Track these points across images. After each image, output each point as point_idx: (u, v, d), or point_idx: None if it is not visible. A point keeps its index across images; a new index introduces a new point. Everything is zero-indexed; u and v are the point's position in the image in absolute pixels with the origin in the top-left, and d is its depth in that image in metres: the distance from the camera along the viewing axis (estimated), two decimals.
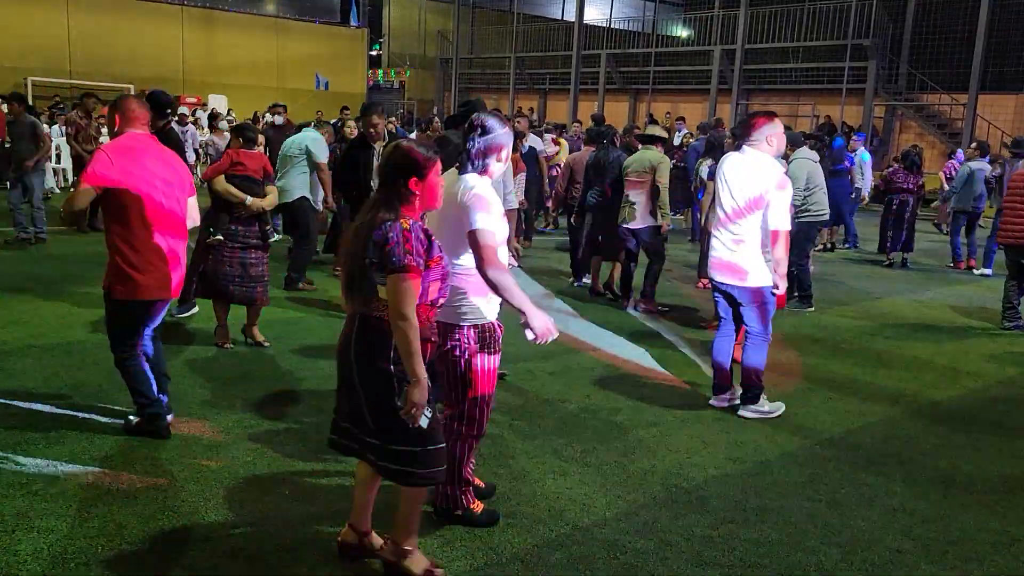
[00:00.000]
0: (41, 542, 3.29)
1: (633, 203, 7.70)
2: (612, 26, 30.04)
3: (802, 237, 7.91)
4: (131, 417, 4.41)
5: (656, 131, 8.19)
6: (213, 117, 11.77)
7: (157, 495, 3.73)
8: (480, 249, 3.21)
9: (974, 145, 12.32)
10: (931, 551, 3.64)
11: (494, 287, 3.24)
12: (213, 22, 28.59)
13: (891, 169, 12.10)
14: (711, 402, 5.35)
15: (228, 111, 23.74)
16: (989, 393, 6.00)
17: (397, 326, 2.82)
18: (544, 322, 3.29)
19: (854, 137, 15.00)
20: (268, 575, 3.17)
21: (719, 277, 5.15)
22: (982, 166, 11.54)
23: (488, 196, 3.30)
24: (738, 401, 5.27)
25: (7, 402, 4.73)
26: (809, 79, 23.86)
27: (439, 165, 3.04)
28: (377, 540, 3.26)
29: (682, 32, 31.49)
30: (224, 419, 4.66)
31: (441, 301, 3.06)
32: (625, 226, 7.78)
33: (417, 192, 2.96)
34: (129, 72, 24.92)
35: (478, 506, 3.62)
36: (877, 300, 9.22)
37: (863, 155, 13.47)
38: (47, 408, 4.68)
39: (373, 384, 2.96)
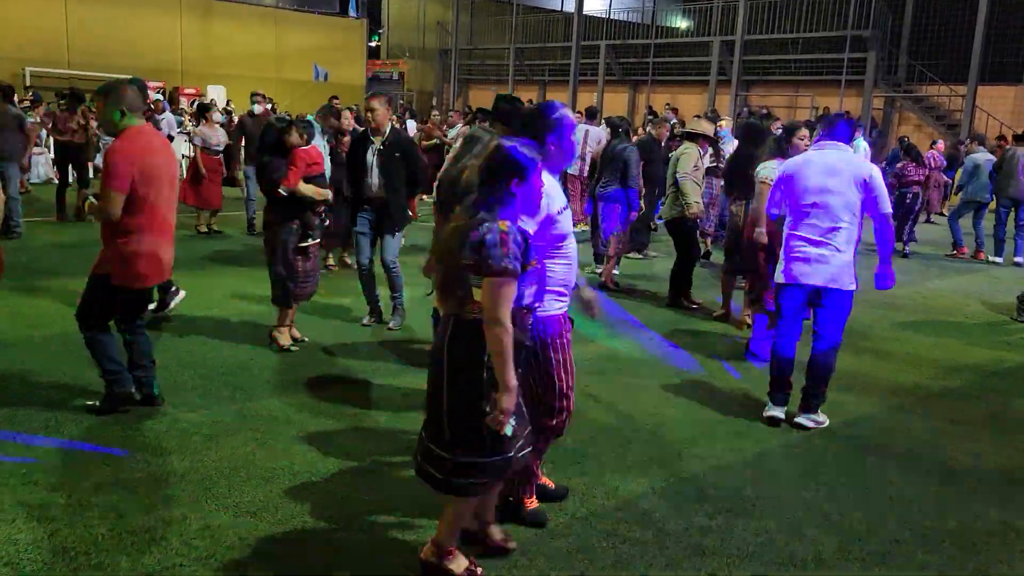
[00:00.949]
0: (41, 531, 3.30)
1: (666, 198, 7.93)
2: (611, 17, 29.96)
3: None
4: (95, 402, 4.52)
5: (700, 127, 8.05)
6: (205, 108, 11.09)
7: (157, 485, 3.74)
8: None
9: (968, 140, 12.66)
10: (928, 541, 3.66)
11: None
12: (211, 13, 28.46)
13: (900, 164, 12.14)
14: (772, 414, 4.98)
15: (227, 102, 23.68)
16: (988, 384, 6.01)
17: (491, 330, 2.75)
18: None
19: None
20: (267, 564, 3.18)
21: (812, 279, 4.82)
22: (987, 156, 11.87)
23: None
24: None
25: (6, 393, 4.74)
26: (808, 70, 23.80)
27: (541, 167, 2.96)
28: (498, 533, 3.27)
29: (681, 23, 31.42)
30: (223, 410, 4.67)
31: (537, 305, 2.98)
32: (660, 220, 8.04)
33: (518, 194, 2.88)
34: (127, 63, 24.78)
35: (532, 502, 3.59)
36: (877, 292, 9.19)
37: (860, 145, 13.55)
38: (46, 399, 4.68)
39: (461, 388, 2.89)
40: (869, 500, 4.02)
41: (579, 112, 19.54)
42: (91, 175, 12.01)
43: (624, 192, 8.11)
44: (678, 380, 5.70)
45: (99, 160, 13.92)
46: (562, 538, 3.49)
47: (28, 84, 22.41)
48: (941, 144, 15.87)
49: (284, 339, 5.82)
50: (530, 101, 28.78)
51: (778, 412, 4.99)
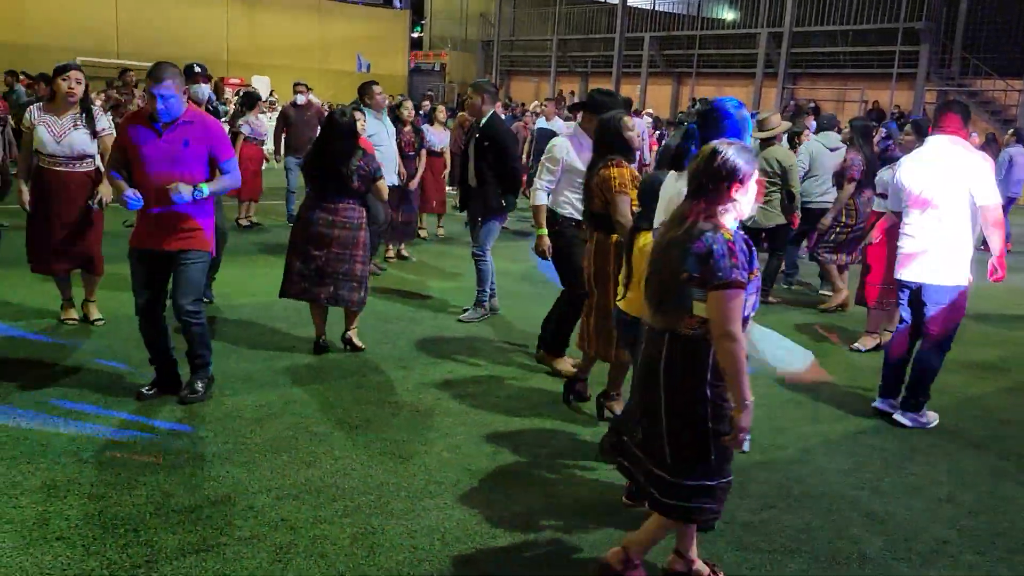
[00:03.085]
0: (92, 508, 3.38)
1: (764, 203, 7.34)
2: (656, 8, 29.68)
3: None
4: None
5: (774, 126, 7.47)
6: (255, 98, 10.62)
7: (202, 466, 3.80)
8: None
9: (1011, 132, 12.64)
10: (977, 542, 3.57)
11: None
12: (257, 3, 28.80)
13: None
14: (876, 405, 5.06)
15: (271, 92, 23.94)
16: None
17: (723, 346, 2.60)
18: None
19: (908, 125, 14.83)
20: (307, 546, 3.21)
21: (914, 275, 4.85)
22: (1020, 151, 11.84)
23: None
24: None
25: (58, 373, 4.85)
26: (858, 63, 23.36)
27: (757, 172, 2.81)
28: (705, 568, 3.11)
29: (728, 15, 31.01)
30: (267, 395, 4.73)
31: (751, 316, 2.82)
32: (762, 226, 7.37)
33: (737, 200, 2.72)
34: (174, 53, 24.99)
35: None
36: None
37: None
38: (96, 380, 4.78)
39: (683, 409, 2.75)
40: (916, 499, 3.94)
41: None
42: None
43: None
44: None
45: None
46: (603, 529, 3.47)
47: None
48: (976, 138, 15.64)
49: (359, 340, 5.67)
50: (572, 93, 28.76)
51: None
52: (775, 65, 24.28)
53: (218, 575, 2.99)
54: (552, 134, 11.08)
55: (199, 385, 4.58)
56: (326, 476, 3.79)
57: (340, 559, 3.15)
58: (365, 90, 8.15)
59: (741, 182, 2.69)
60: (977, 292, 8.77)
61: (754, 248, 2.72)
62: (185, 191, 4.25)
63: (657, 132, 15.46)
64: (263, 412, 4.48)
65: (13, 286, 6.50)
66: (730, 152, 2.70)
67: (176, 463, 3.81)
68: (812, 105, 18.30)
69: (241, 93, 13.07)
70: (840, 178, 7.38)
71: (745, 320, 2.74)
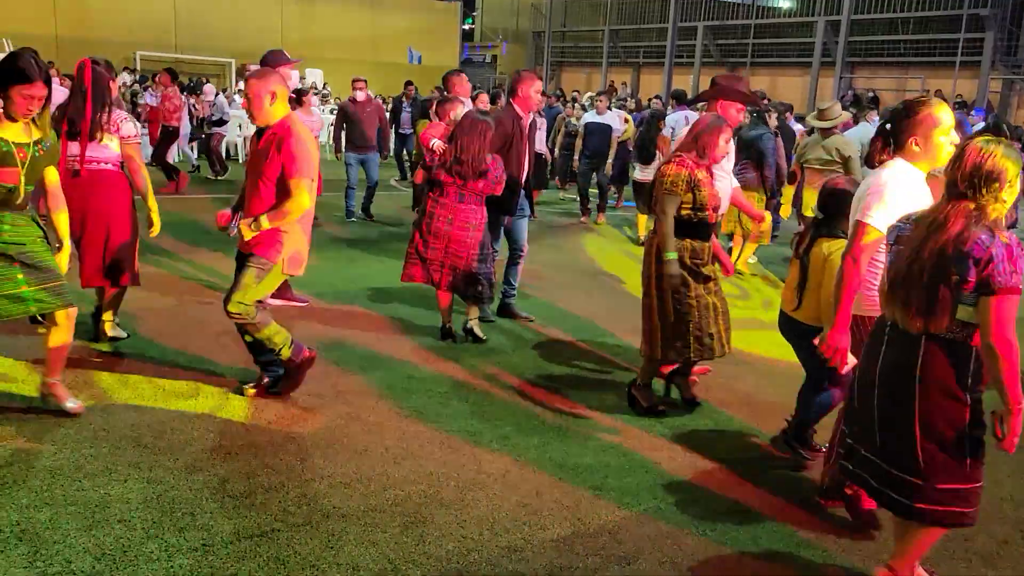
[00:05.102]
0: (151, 492, 3.47)
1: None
2: None
3: None
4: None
5: (836, 116, 7.32)
6: (301, 92, 10.17)
7: (257, 453, 3.88)
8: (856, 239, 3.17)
9: None
10: None
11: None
12: None
13: None
14: None
15: (324, 85, 24.23)
16: None
17: (998, 351, 2.57)
18: None
19: (972, 113, 14.38)
20: (358, 533, 3.26)
21: None
22: None
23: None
24: None
25: (118, 362, 4.99)
26: (919, 51, 22.72)
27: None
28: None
29: (784, 3, 30.43)
30: (318, 384, 4.79)
31: None
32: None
33: (1005, 200, 2.67)
34: (231, 46, 25.74)
35: (871, 503, 3.42)
36: None
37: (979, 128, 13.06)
38: (154, 368, 4.90)
39: (941, 413, 2.73)
40: None
41: (657, 97, 19.17)
42: (178, 156, 12.80)
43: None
44: (773, 370, 5.56)
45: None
46: (651, 523, 3.46)
47: (139, 67, 23.48)
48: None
49: (480, 330, 5.75)
50: (624, 84, 28.52)
51: None
52: (832, 54, 23.77)
53: (272, 559, 3.06)
54: (604, 128, 10.97)
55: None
56: (377, 465, 3.84)
57: (390, 547, 3.19)
58: (449, 79, 7.83)
59: (1010, 182, 2.63)
60: None
61: None
62: (242, 229, 4.15)
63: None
64: (315, 401, 4.55)
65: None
66: (999, 151, 2.63)
67: (232, 450, 3.90)
68: (871, 95, 17.88)
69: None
70: None
71: None
